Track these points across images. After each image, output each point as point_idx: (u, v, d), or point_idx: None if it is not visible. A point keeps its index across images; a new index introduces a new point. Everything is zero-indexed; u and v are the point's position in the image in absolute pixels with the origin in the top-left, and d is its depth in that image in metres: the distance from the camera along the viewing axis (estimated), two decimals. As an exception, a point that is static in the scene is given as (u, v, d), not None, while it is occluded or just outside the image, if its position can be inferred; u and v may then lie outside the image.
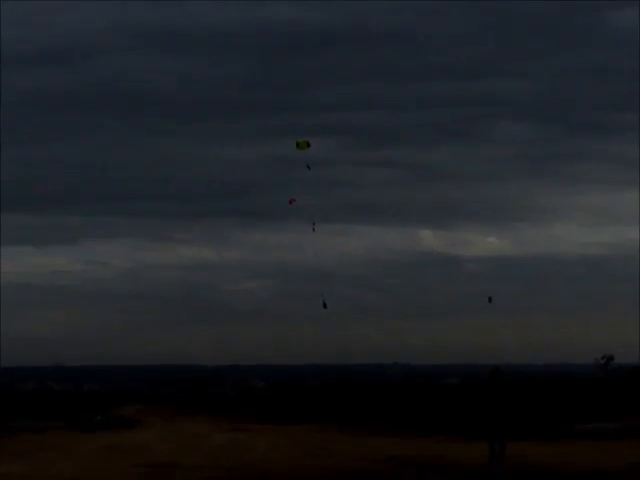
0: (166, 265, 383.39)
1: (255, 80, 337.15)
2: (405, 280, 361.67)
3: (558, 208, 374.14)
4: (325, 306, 37.47)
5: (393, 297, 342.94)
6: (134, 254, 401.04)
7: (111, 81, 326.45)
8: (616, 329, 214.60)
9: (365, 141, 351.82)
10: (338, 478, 29.53)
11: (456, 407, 63.58)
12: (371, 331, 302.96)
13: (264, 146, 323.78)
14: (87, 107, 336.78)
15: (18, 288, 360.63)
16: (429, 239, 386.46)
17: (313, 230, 34.79)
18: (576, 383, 78.63)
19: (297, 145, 33.45)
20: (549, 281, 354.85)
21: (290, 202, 34.77)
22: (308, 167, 33.54)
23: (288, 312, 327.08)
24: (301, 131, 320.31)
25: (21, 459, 39.44)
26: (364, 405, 78.52)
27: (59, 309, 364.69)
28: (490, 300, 49.87)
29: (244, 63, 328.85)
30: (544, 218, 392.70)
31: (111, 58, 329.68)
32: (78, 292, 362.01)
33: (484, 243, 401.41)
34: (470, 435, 45.79)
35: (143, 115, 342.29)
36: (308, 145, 33.38)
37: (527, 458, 35.97)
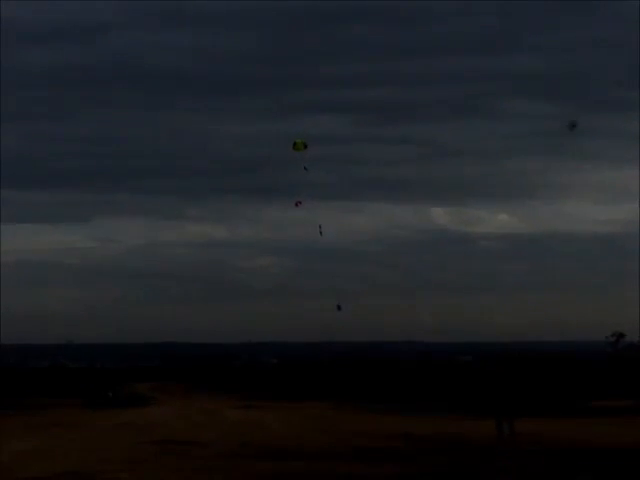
0: (179, 242, 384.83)
1: (271, 56, 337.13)
2: (418, 257, 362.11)
3: (571, 185, 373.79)
4: (339, 308, 38.18)
5: (406, 274, 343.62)
6: (147, 232, 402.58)
7: (126, 58, 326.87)
8: (628, 306, 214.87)
9: (380, 117, 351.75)
10: (351, 455, 29.45)
11: (469, 385, 63.55)
12: (384, 308, 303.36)
13: (279, 122, 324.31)
14: (102, 84, 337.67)
15: (32, 265, 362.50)
16: (442, 216, 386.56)
17: (320, 234, 35.34)
18: (589, 360, 78.48)
19: (294, 145, 33.52)
20: (561, 258, 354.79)
21: (296, 204, 35.15)
22: (305, 168, 33.73)
23: (301, 289, 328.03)
24: (316, 107, 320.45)
25: (36, 435, 39.49)
26: (378, 382, 78.59)
27: (73, 286, 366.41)
28: None
29: (259, 39, 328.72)
30: (557, 195, 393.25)
31: (128, 34, 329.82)
32: (92, 269, 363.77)
33: (496, 220, 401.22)
34: (483, 413, 45.75)
35: (157, 92, 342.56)
36: (305, 146, 33.48)
37: (543, 435, 35.88)
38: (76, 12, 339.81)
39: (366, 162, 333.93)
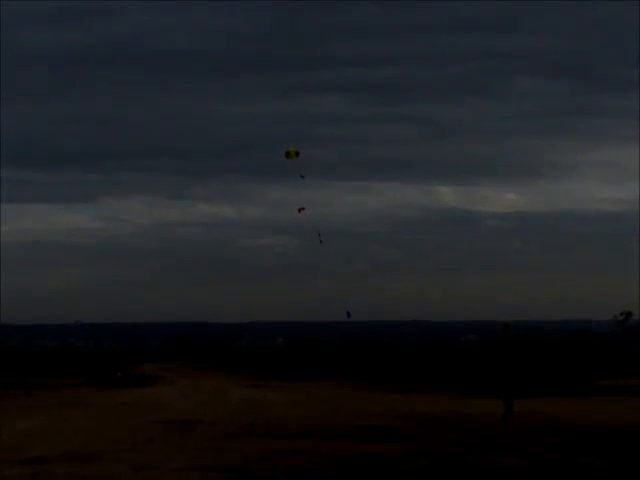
0: (185, 222, 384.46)
1: (272, 36, 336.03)
2: (424, 237, 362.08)
3: (576, 164, 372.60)
4: (349, 315, 38.77)
5: (412, 254, 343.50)
6: (153, 211, 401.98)
7: (130, 38, 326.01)
8: (636, 285, 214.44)
9: (382, 97, 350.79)
10: (356, 434, 29.67)
11: (473, 363, 63.80)
12: (390, 288, 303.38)
13: (282, 102, 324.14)
14: (106, 64, 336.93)
15: (37, 246, 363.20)
16: (447, 195, 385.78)
17: (320, 242, 36.08)
18: (593, 339, 78.56)
19: (287, 154, 33.89)
20: (568, 237, 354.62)
21: (299, 210, 35.81)
22: (302, 176, 34.15)
23: (307, 269, 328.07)
24: (318, 87, 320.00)
25: (42, 414, 39.72)
26: (382, 362, 78.84)
27: (78, 267, 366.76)
28: None
29: (261, 19, 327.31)
30: (562, 174, 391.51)
31: (128, 15, 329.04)
32: (97, 249, 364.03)
33: (502, 199, 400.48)
34: (485, 392, 46.02)
35: (162, 72, 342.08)
36: (297, 154, 33.84)
37: (544, 414, 36.10)
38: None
39: (372, 142, 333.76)
